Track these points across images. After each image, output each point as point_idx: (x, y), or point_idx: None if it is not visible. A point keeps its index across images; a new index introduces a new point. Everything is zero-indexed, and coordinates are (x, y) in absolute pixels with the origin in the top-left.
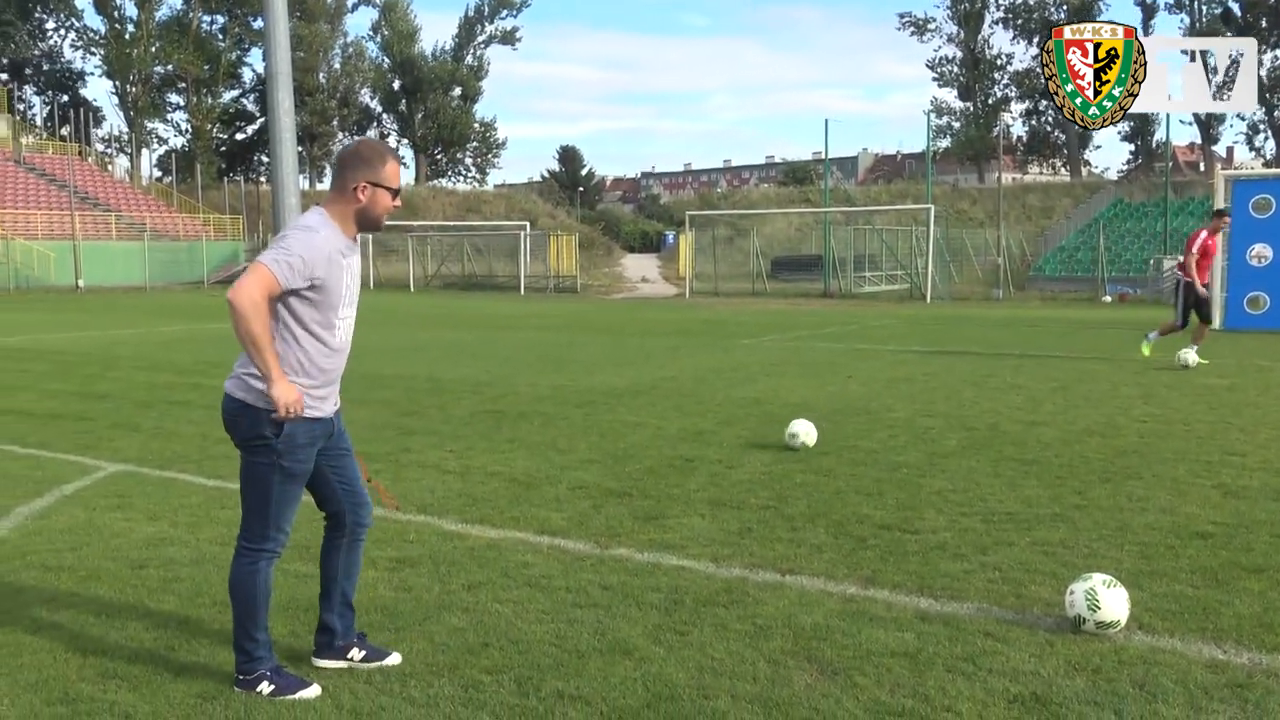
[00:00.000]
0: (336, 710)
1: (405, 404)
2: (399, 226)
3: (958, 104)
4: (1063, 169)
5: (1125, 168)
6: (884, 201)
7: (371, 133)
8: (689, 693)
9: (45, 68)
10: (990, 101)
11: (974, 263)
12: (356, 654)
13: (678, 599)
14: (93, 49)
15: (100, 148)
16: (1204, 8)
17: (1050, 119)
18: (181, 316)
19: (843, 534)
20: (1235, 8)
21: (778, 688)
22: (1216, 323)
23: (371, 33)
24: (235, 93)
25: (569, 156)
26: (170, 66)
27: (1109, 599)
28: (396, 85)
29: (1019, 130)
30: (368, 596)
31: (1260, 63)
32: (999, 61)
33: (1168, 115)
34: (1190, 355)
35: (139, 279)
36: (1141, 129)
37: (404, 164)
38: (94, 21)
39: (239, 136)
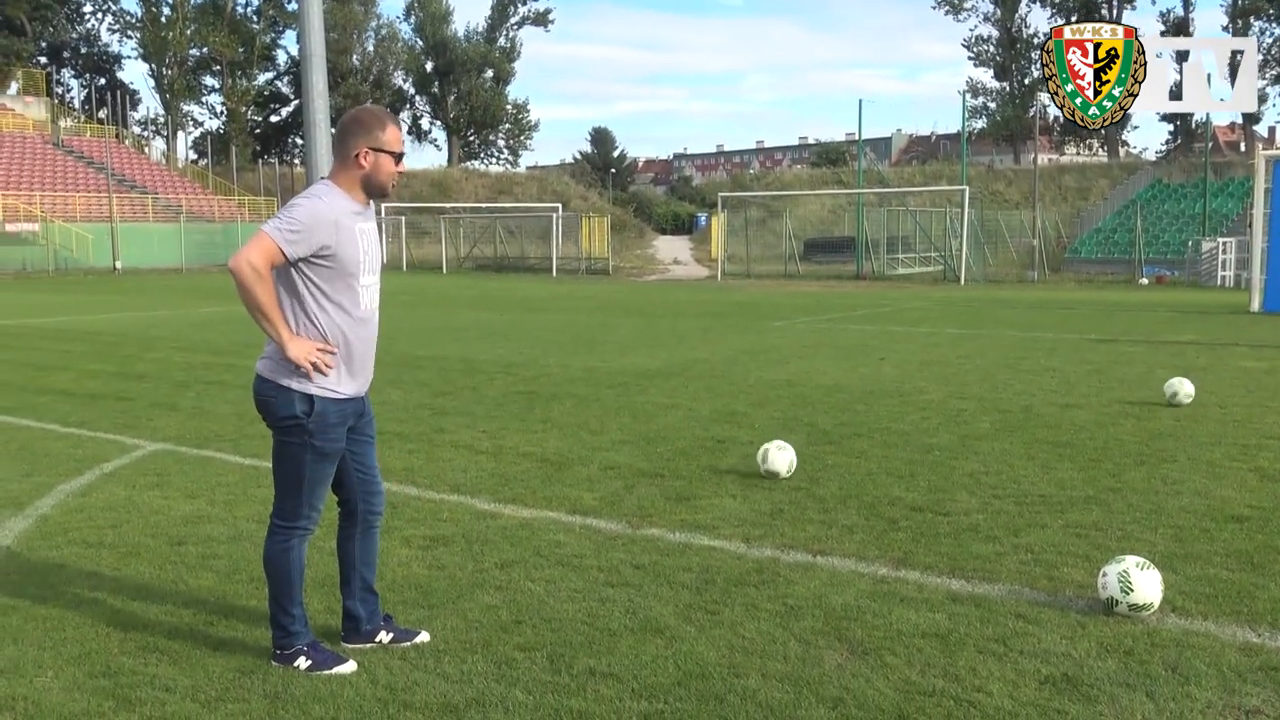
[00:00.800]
0: (372, 685)
1: (439, 385)
2: (431, 208)
3: (994, 84)
4: (1100, 150)
5: (1164, 148)
6: (918, 183)
7: (405, 115)
8: (720, 671)
9: (83, 51)
10: (1027, 81)
11: (1009, 244)
12: (385, 636)
13: (709, 579)
14: (129, 32)
15: (137, 130)
16: None
17: None
18: (217, 298)
19: (874, 515)
20: None
21: (808, 667)
22: (1255, 305)
23: (404, 14)
24: (270, 75)
25: (601, 138)
26: (205, 49)
27: (1142, 581)
28: (429, 67)
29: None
30: (401, 575)
31: None
32: (1036, 40)
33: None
34: (1184, 386)
35: (175, 261)
36: None
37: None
38: (130, 4)
39: (273, 119)
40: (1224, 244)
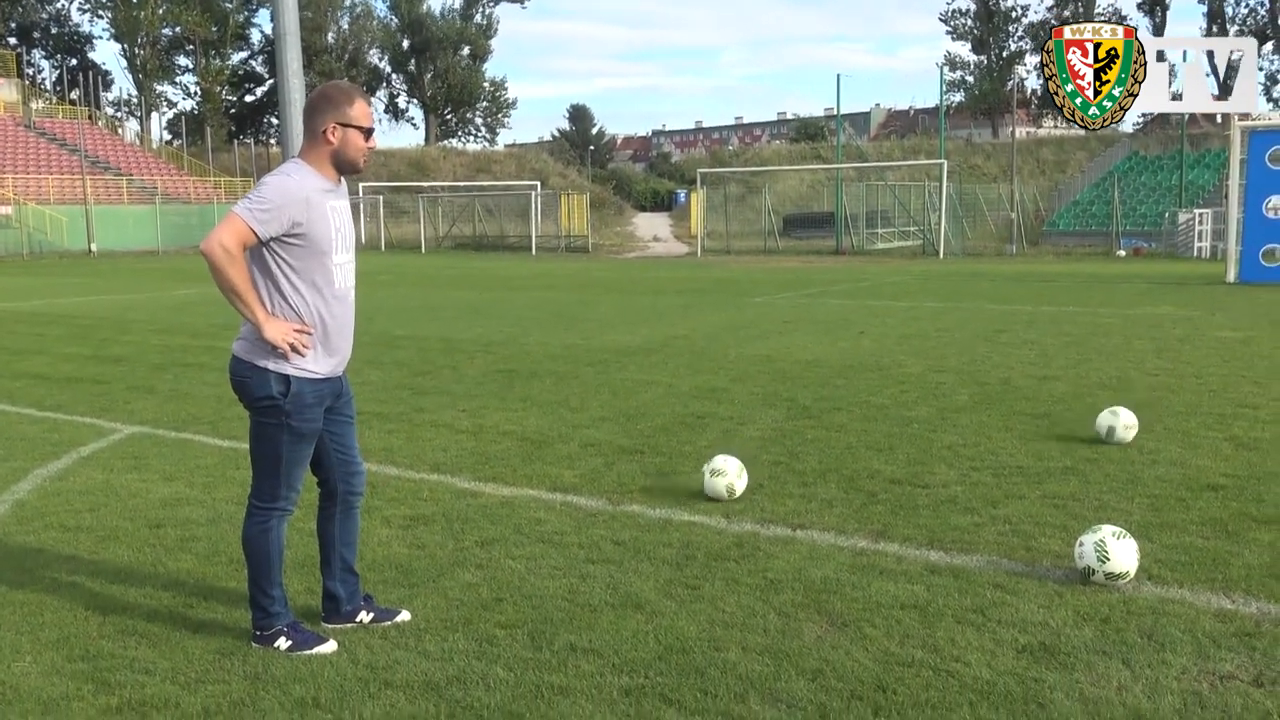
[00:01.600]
0: (353, 664)
1: (418, 364)
2: (409, 188)
3: (971, 57)
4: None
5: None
6: (897, 157)
7: (381, 93)
8: (700, 645)
9: (53, 31)
10: (1004, 54)
11: (987, 218)
12: (365, 616)
13: (689, 554)
14: (100, 11)
15: (110, 111)
16: None
17: None
18: (194, 280)
19: (853, 489)
20: None
21: (788, 640)
22: (1231, 275)
23: None
24: (244, 54)
25: (579, 115)
26: (178, 28)
27: (1118, 550)
28: (405, 45)
29: (1033, 83)
30: (382, 554)
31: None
32: (1013, 13)
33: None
34: (1121, 419)
35: (151, 243)
36: None
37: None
38: None
39: (248, 99)
40: (1200, 215)
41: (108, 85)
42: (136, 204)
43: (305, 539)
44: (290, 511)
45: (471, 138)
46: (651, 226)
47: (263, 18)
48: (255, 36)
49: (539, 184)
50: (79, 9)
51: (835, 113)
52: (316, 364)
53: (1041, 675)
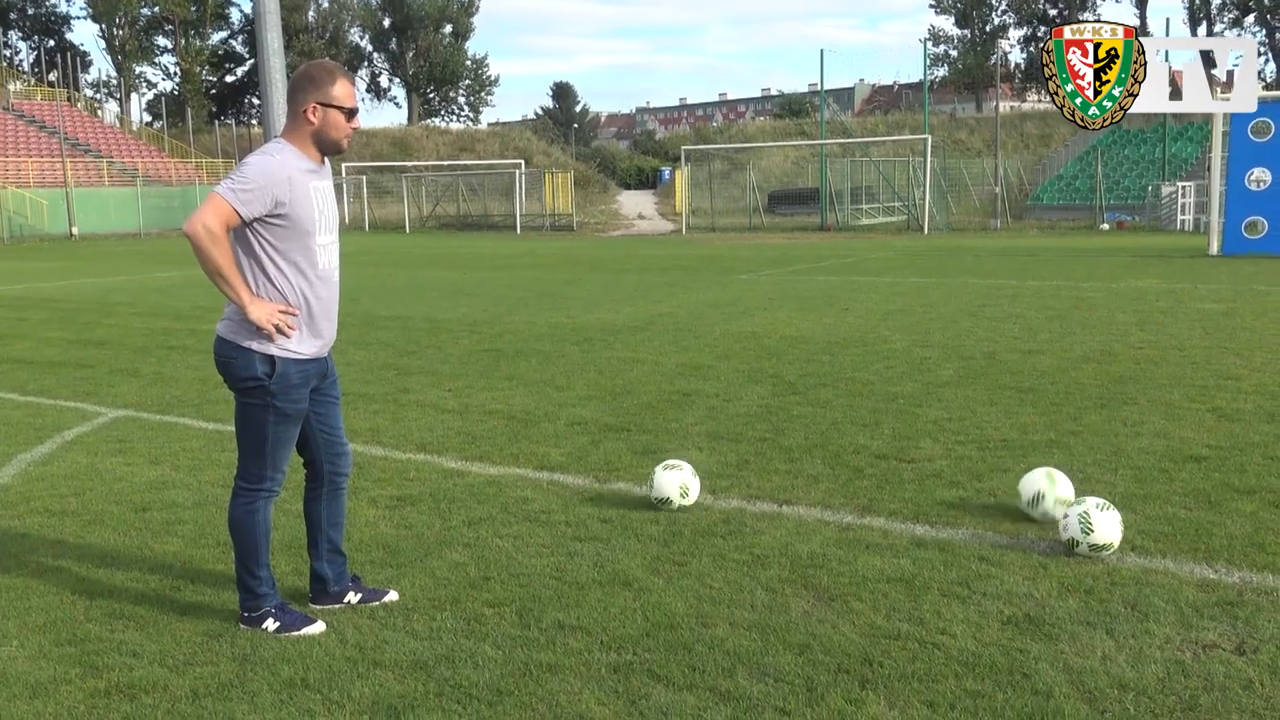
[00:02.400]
0: (341, 645)
1: (403, 344)
2: (392, 167)
3: (955, 31)
4: None
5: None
6: (881, 133)
7: (363, 72)
8: (688, 621)
9: (30, 12)
10: (988, 28)
11: (971, 193)
12: (353, 597)
13: (676, 531)
14: None
15: (89, 93)
16: None
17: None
18: (176, 262)
19: (839, 464)
20: None
21: (775, 614)
22: (1214, 248)
23: None
24: (223, 34)
25: (563, 93)
26: (156, 8)
27: (1102, 522)
28: (386, 23)
29: (1017, 57)
30: (369, 535)
31: None
32: None
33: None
34: (1055, 489)
35: (133, 225)
36: None
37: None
38: None
39: (229, 79)
40: (1183, 188)
41: (86, 66)
42: (117, 186)
43: (292, 520)
44: (276, 493)
45: (454, 117)
46: (636, 204)
47: None
48: (235, 16)
49: (523, 163)
50: None
51: (819, 88)
52: (302, 345)
53: (1026, 646)
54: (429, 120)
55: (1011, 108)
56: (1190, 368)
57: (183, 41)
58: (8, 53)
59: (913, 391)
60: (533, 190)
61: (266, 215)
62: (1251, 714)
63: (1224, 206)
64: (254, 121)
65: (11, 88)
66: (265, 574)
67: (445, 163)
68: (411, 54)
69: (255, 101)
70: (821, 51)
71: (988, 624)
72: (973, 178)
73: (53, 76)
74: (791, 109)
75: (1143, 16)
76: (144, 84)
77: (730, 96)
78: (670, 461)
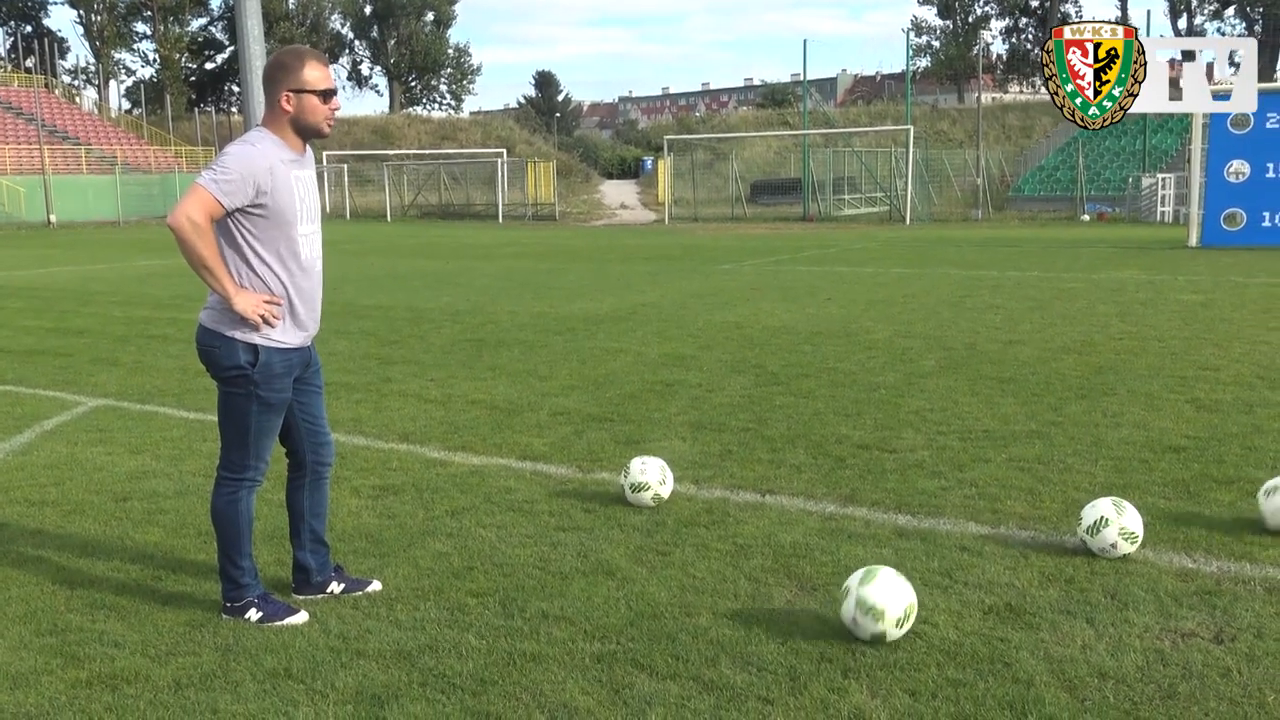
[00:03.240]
0: (324, 635)
1: (385, 334)
2: (374, 156)
3: (937, 22)
4: (1043, 87)
5: None
6: (863, 123)
7: (344, 60)
8: (671, 610)
9: None
10: (970, 19)
11: (953, 184)
12: (336, 587)
13: (659, 520)
14: None
15: (67, 80)
16: None
17: (1030, 36)
18: (156, 251)
19: (822, 454)
20: None
21: (758, 604)
22: (1194, 239)
23: None
24: (203, 20)
25: (545, 82)
26: None
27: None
28: (367, 10)
29: (999, 48)
30: (352, 525)
31: None
32: None
33: (1146, 31)
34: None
35: (111, 213)
36: None
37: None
38: None
39: (209, 66)
40: (1163, 180)
41: (64, 53)
42: (96, 174)
43: (274, 510)
44: (259, 482)
45: (436, 105)
46: (619, 194)
47: None
48: (215, 2)
49: (505, 151)
50: None
51: (802, 78)
52: (285, 334)
53: (1007, 635)
54: (410, 109)
55: (993, 99)
56: (1170, 358)
57: (162, 28)
58: None
59: (895, 382)
60: (515, 179)
61: (248, 205)
62: (1229, 701)
63: (1203, 198)
64: (234, 109)
65: None
66: (248, 564)
67: (427, 151)
68: (393, 42)
69: (235, 89)
70: (805, 41)
71: (969, 613)
72: (955, 168)
73: (30, 62)
74: (774, 99)
75: (1124, 7)
76: (122, 70)
77: (713, 86)
78: (634, 481)
